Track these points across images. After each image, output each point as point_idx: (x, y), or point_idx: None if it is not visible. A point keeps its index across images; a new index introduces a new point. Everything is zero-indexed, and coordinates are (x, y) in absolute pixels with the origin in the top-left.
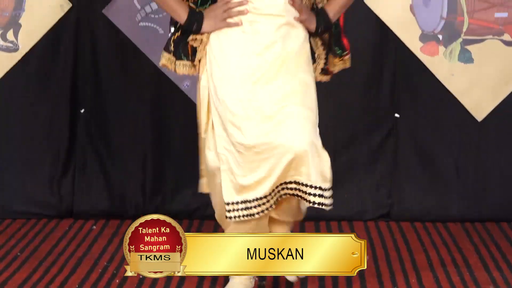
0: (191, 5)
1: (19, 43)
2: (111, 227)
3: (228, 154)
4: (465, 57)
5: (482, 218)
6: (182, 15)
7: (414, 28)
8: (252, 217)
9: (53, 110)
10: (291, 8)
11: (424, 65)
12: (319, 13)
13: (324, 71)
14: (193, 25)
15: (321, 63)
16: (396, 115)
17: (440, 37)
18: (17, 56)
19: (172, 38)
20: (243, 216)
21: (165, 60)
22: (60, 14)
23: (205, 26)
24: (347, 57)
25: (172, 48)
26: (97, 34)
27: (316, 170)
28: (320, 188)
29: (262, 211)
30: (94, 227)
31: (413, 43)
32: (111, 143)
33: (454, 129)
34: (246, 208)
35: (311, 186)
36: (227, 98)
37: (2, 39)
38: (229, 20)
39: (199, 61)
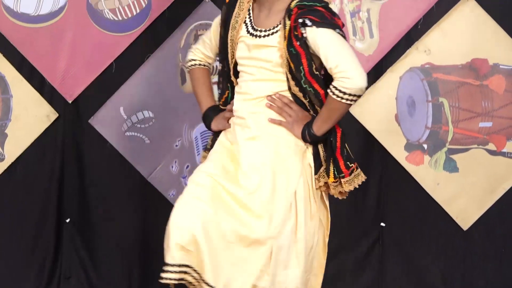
0: (217, 102)
1: (5, 153)
2: None
3: None
4: (450, 166)
5: None
6: (202, 109)
7: (399, 137)
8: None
9: (39, 219)
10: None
11: (409, 174)
12: (307, 123)
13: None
14: (205, 121)
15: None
16: (382, 224)
17: (425, 146)
18: (3, 166)
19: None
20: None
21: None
22: (47, 124)
23: (212, 125)
24: (345, 179)
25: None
26: (83, 143)
27: None
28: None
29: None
30: None
31: (398, 152)
32: (97, 253)
33: (439, 238)
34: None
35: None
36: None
37: None
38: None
39: None
